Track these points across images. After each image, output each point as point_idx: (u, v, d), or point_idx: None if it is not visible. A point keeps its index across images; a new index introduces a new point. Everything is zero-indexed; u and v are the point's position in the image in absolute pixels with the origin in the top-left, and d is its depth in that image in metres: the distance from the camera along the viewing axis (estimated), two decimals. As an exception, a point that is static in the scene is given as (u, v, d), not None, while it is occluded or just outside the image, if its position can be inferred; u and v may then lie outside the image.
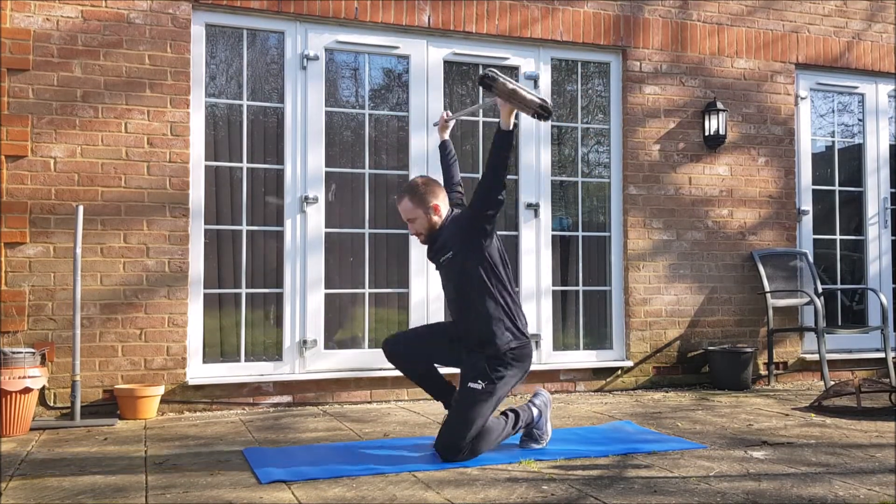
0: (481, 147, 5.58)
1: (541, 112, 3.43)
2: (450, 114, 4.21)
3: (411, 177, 5.35)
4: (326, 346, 5.16)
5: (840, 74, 6.51)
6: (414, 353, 3.86)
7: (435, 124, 4.57)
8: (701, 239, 5.97)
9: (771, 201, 6.16)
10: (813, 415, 4.64)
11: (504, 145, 3.44)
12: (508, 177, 5.57)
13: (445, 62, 5.50)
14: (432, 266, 5.36)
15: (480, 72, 3.38)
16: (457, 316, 3.71)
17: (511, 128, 3.44)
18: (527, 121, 5.63)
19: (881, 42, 6.53)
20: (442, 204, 3.68)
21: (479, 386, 3.51)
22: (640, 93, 5.85)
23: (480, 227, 3.54)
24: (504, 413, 3.68)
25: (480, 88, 3.40)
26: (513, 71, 5.66)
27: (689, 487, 3.02)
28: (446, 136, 4.22)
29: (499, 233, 5.54)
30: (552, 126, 5.75)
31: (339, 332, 5.27)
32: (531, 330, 5.56)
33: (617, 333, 5.80)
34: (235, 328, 5.06)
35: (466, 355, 3.65)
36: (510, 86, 3.38)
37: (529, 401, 3.79)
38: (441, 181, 3.96)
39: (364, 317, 5.31)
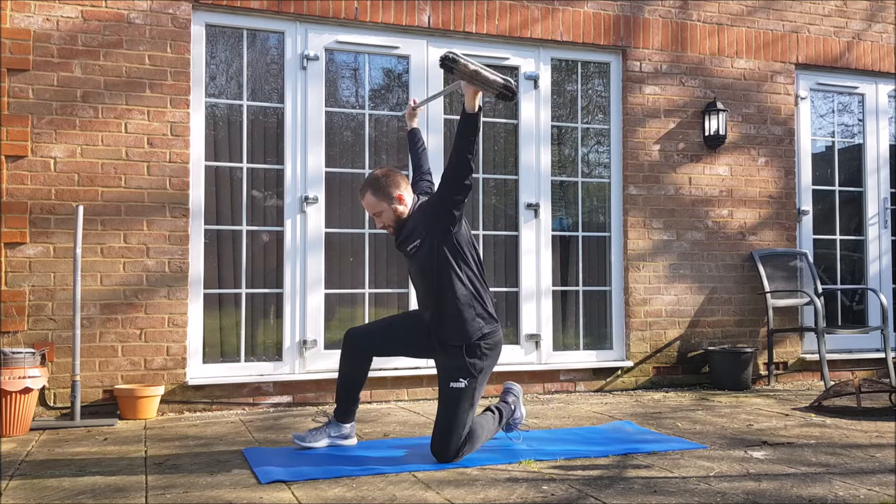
0: (481, 146, 5.58)
1: (504, 92, 3.37)
2: (417, 101, 4.17)
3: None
4: (326, 346, 5.16)
5: (840, 74, 6.51)
6: (380, 348, 3.74)
7: (402, 113, 4.60)
8: (701, 239, 5.97)
9: (771, 201, 6.16)
10: (813, 415, 4.64)
11: (470, 128, 3.35)
12: (508, 177, 5.63)
13: (445, 62, 5.49)
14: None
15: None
16: (426, 305, 3.62)
17: (476, 110, 3.35)
18: (527, 121, 5.64)
19: (881, 42, 6.53)
20: (405, 193, 3.61)
21: (462, 384, 3.47)
22: (640, 93, 5.85)
23: (448, 211, 3.46)
24: (489, 409, 3.73)
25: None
26: (513, 71, 5.66)
27: (689, 487, 3.02)
28: (415, 124, 4.19)
29: (499, 233, 5.57)
30: (552, 126, 5.75)
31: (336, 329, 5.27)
32: (531, 330, 5.57)
33: (617, 333, 5.80)
34: (235, 328, 5.06)
35: (441, 351, 3.57)
36: (472, 66, 3.31)
37: (503, 399, 3.87)
38: (410, 170, 3.97)
39: (364, 317, 5.31)
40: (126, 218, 4.72)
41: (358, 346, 3.68)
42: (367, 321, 5.29)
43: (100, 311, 4.64)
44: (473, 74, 3.32)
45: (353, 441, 3.78)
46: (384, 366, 5.21)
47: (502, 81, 3.37)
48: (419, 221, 3.56)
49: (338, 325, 5.26)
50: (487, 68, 3.39)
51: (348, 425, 3.77)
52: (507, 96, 3.40)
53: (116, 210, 4.70)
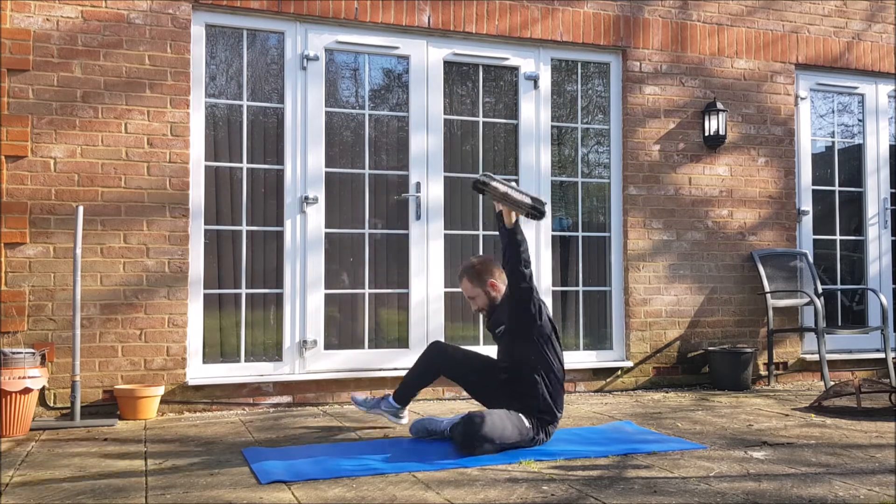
0: (481, 147, 5.58)
1: (532, 213, 3.58)
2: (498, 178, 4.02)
3: (411, 178, 5.37)
4: (326, 347, 5.16)
5: (840, 75, 6.51)
6: (450, 372, 4.00)
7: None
8: (701, 239, 5.97)
9: (771, 201, 6.16)
10: (813, 415, 4.64)
11: (510, 240, 3.63)
12: (509, 177, 5.63)
13: (445, 62, 5.50)
14: (432, 266, 5.38)
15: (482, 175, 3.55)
16: (505, 376, 3.88)
17: (514, 224, 3.62)
18: (527, 121, 5.64)
19: (881, 42, 6.53)
20: (498, 281, 3.94)
21: (530, 430, 3.68)
22: (639, 93, 5.85)
23: (524, 308, 3.71)
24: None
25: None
26: (513, 71, 5.66)
27: (689, 488, 3.02)
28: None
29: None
30: (552, 126, 5.75)
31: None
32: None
33: (617, 334, 5.80)
34: (235, 328, 5.06)
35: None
36: (502, 188, 3.55)
37: None
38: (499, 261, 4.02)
39: (364, 317, 5.31)
40: (126, 218, 4.72)
41: (433, 361, 3.99)
42: (367, 321, 5.30)
43: (100, 311, 4.64)
44: (503, 196, 3.56)
45: (405, 420, 4.12)
46: (383, 366, 5.21)
47: (529, 202, 3.58)
48: (506, 311, 3.85)
49: (338, 325, 5.26)
50: (517, 189, 3.61)
51: (402, 407, 4.09)
52: (535, 216, 3.60)
53: (116, 210, 4.70)
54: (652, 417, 4.56)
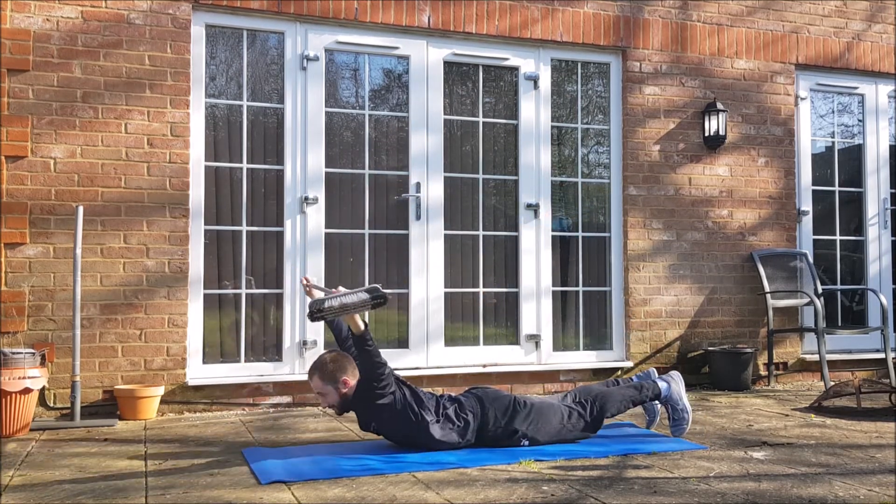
0: (481, 147, 5.58)
1: (375, 303, 3.52)
2: (311, 279, 4.07)
3: (411, 178, 5.37)
4: (326, 347, 5.16)
5: (840, 75, 6.51)
6: None
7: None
8: (701, 239, 5.97)
9: (771, 202, 6.17)
10: (813, 415, 4.64)
11: (363, 347, 3.51)
12: (508, 177, 5.63)
13: (445, 62, 5.50)
14: (432, 266, 5.38)
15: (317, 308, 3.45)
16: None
17: (363, 330, 3.50)
18: (527, 121, 5.64)
19: (881, 42, 6.53)
20: (351, 377, 3.65)
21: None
22: (639, 93, 5.85)
23: (372, 396, 3.56)
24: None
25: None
26: (513, 71, 5.66)
27: (689, 488, 3.02)
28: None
29: (499, 233, 5.58)
30: (552, 126, 5.75)
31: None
32: (531, 330, 5.57)
33: (617, 334, 5.80)
34: (235, 328, 5.06)
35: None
36: (337, 303, 3.45)
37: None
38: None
39: (364, 317, 5.30)
40: (126, 218, 4.72)
41: None
42: (367, 322, 5.28)
43: (100, 311, 4.64)
44: (342, 309, 3.46)
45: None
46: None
47: (369, 297, 3.49)
48: (362, 405, 3.64)
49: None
50: (348, 291, 3.52)
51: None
52: (379, 305, 3.54)
53: (116, 210, 4.70)
54: (652, 417, 4.56)
